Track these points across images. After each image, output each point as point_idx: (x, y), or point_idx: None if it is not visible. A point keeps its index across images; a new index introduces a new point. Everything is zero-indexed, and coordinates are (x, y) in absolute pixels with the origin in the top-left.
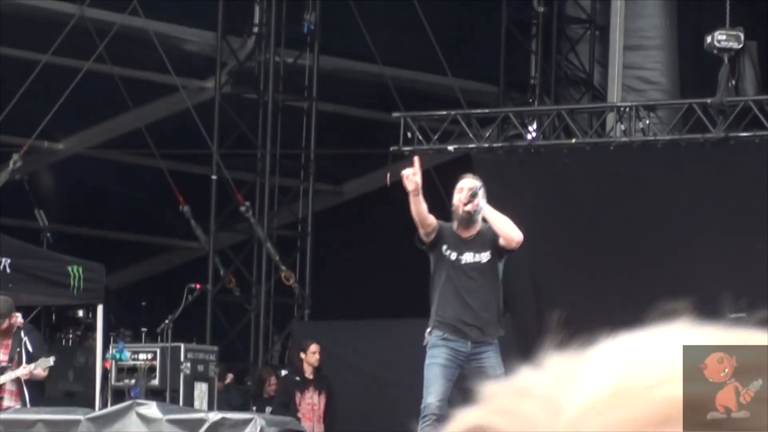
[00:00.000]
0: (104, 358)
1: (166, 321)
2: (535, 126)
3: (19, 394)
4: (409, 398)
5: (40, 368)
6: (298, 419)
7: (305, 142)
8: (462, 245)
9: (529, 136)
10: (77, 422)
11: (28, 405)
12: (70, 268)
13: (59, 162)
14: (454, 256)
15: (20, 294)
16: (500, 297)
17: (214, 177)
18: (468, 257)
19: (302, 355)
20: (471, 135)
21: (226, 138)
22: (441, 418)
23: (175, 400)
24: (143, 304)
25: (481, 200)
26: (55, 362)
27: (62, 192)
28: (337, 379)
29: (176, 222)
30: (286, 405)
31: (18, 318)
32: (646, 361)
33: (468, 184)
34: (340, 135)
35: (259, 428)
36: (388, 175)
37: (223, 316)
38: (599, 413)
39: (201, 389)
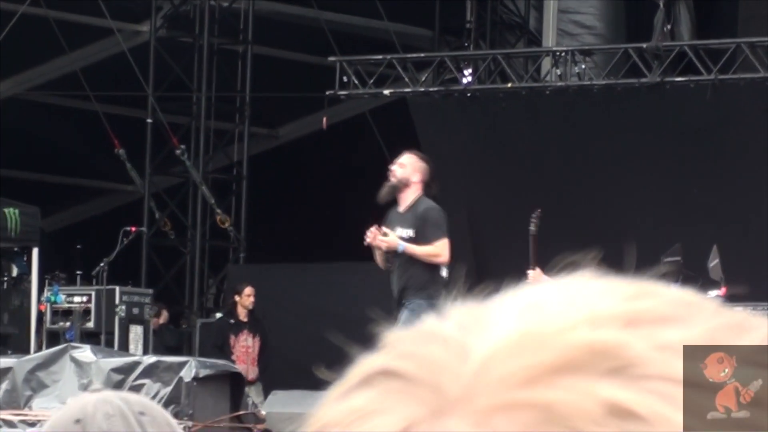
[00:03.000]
0: (39, 301)
1: (101, 264)
2: (470, 70)
3: None
4: (340, 340)
5: None
6: (233, 362)
7: (240, 86)
8: (396, 220)
9: (465, 81)
10: (10, 368)
11: None
12: (6, 211)
13: None
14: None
15: None
16: (426, 266)
17: (149, 120)
18: (399, 232)
19: (237, 298)
20: (407, 79)
21: (162, 81)
22: None
23: (110, 343)
24: (78, 247)
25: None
26: None
27: None
28: (271, 322)
29: (111, 165)
30: (220, 347)
31: None
32: (554, 307)
33: (405, 160)
34: (276, 79)
35: (193, 371)
36: (324, 119)
37: (158, 259)
38: (509, 356)
39: (136, 332)
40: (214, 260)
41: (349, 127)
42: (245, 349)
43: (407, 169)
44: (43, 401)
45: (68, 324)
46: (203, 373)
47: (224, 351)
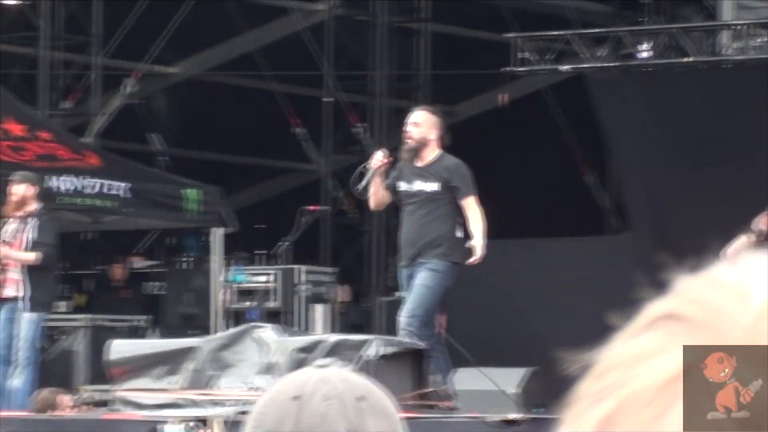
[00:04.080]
0: (221, 282)
1: (284, 243)
2: (648, 45)
3: (22, 283)
4: (527, 318)
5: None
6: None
7: (418, 64)
8: (414, 174)
9: (642, 56)
10: (195, 347)
11: (28, 299)
12: (187, 192)
13: (173, 86)
14: (403, 186)
15: (138, 218)
16: (449, 224)
17: (327, 99)
18: (418, 186)
19: None
20: (584, 55)
21: (339, 60)
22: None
23: (292, 322)
24: (259, 226)
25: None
26: (171, 286)
27: (177, 116)
28: (455, 301)
29: (290, 144)
30: None
31: (34, 202)
32: None
33: (419, 118)
34: (453, 56)
35: (377, 349)
36: (502, 96)
37: (339, 238)
38: None
39: (319, 311)
40: (395, 238)
41: (527, 103)
42: None
43: (423, 127)
44: (227, 381)
45: (251, 304)
46: (387, 350)
47: None
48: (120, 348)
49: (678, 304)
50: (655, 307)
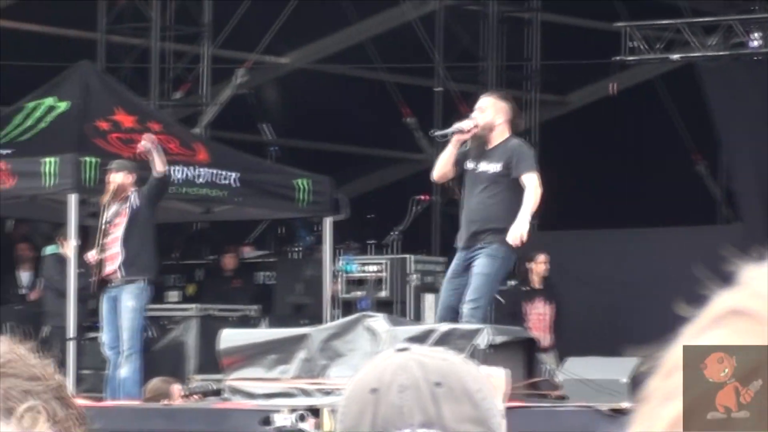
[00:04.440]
0: (333, 271)
1: (394, 232)
2: (759, 34)
3: (120, 255)
4: (636, 307)
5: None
6: (527, 329)
7: (528, 53)
8: (481, 156)
9: (753, 44)
10: (306, 336)
11: (130, 264)
12: (297, 182)
13: (284, 76)
14: (470, 165)
15: (248, 208)
16: (510, 205)
17: (437, 89)
18: (483, 167)
19: (530, 265)
20: (695, 44)
21: (449, 50)
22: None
23: (403, 311)
24: (370, 216)
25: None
26: (282, 276)
27: (287, 106)
28: (564, 289)
29: (401, 134)
30: (514, 315)
31: (132, 189)
32: None
33: (485, 103)
34: (564, 45)
35: (488, 338)
36: (613, 85)
37: (449, 227)
38: None
39: (429, 300)
40: None
41: (637, 92)
42: (539, 317)
43: (488, 112)
44: (338, 370)
45: (362, 293)
46: (498, 340)
47: (518, 319)
48: (231, 337)
49: (743, 299)
50: (720, 302)
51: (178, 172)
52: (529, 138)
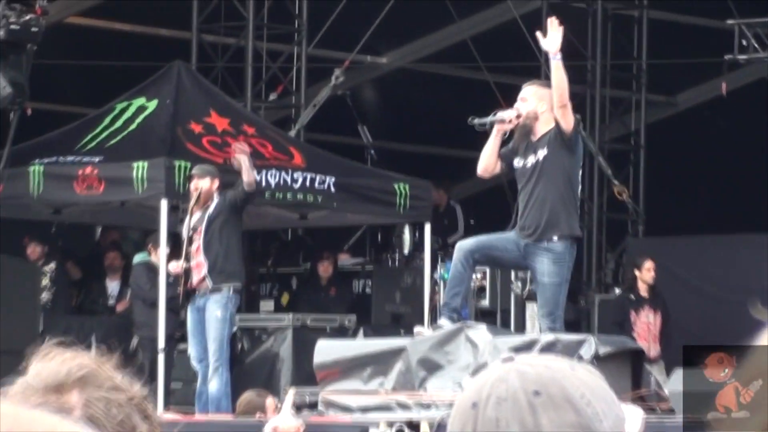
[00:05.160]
0: (432, 278)
1: None
2: None
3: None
4: (748, 317)
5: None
6: (633, 339)
7: (636, 52)
8: (528, 149)
9: None
10: (404, 348)
11: (217, 272)
12: (396, 186)
13: (382, 76)
14: (518, 162)
15: (345, 213)
16: (567, 195)
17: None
18: (530, 160)
19: (637, 273)
20: None
21: None
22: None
23: (506, 321)
24: (471, 222)
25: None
26: (379, 284)
27: (386, 107)
28: (672, 297)
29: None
30: (620, 324)
31: (217, 195)
32: None
33: (526, 93)
34: (673, 44)
35: (593, 348)
36: (723, 85)
37: None
38: None
39: (533, 310)
40: (612, 233)
41: (749, 92)
42: (646, 326)
43: (530, 101)
44: (438, 382)
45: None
46: (603, 350)
47: (624, 328)
48: (327, 349)
49: None
50: None
51: (273, 177)
52: (636, 140)
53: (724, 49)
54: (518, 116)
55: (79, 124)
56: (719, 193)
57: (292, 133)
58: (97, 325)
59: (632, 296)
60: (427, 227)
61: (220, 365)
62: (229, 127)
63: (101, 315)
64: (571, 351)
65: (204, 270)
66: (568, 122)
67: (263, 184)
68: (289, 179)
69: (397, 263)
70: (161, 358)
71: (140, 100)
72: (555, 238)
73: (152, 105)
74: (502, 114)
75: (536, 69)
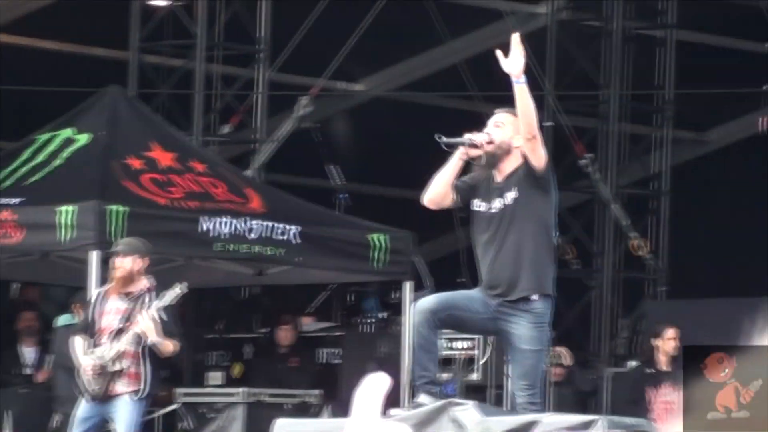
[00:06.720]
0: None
1: None
2: None
3: (137, 377)
4: None
5: (161, 310)
6: (651, 421)
7: (660, 80)
8: (490, 192)
9: None
10: None
11: (147, 390)
12: (371, 237)
13: (357, 107)
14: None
15: (310, 269)
16: (543, 239)
17: (547, 123)
18: (496, 204)
19: (656, 342)
20: None
21: (563, 75)
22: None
23: (499, 399)
24: (460, 281)
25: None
26: (349, 353)
27: (360, 144)
28: None
29: None
30: (635, 403)
31: (143, 278)
32: None
33: (504, 119)
34: (705, 71)
35: None
36: (762, 120)
37: (559, 294)
38: None
39: None
40: (628, 295)
41: None
42: (667, 405)
43: (506, 129)
44: None
45: (448, 376)
46: None
47: (640, 407)
48: (286, 429)
49: None
50: None
51: (225, 225)
52: (658, 184)
53: (764, 77)
54: (490, 142)
55: None
56: (756, 248)
57: (249, 172)
58: (13, 399)
59: (650, 370)
60: (408, 286)
61: None
62: (174, 162)
63: (17, 387)
64: None
65: (140, 383)
66: (538, 158)
67: (212, 234)
68: (244, 228)
69: (370, 329)
70: None
71: (67, 132)
72: (534, 297)
73: (82, 138)
74: (472, 136)
75: (539, 99)
